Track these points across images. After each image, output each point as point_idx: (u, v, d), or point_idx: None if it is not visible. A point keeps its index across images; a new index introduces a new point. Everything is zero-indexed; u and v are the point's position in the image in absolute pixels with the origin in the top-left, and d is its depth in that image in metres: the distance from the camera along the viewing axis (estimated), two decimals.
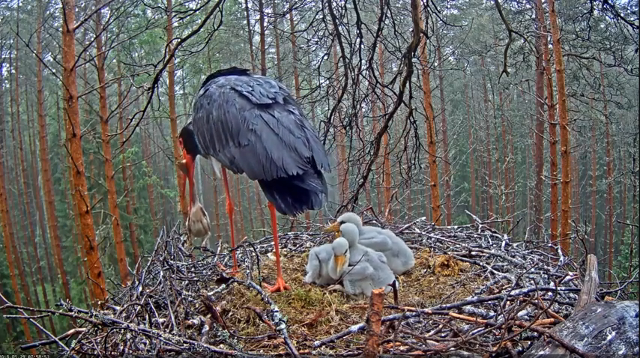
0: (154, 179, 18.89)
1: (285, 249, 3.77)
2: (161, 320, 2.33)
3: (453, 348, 1.86)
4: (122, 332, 2.13)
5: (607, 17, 8.93)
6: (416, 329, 2.19)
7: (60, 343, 2.28)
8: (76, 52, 6.43)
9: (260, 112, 2.36)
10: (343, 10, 5.18)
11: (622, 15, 5.01)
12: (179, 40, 4.90)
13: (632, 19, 6.15)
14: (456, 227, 4.11)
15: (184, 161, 3.10)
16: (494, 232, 3.79)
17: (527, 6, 12.32)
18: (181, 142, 3.02)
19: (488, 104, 22.75)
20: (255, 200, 22.13)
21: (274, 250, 3.64)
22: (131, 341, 2.08)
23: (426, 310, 2.16)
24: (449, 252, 3.30)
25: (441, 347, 1.87)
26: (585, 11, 7.66)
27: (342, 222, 3.04)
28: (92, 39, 11.44)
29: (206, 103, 2.56)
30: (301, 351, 2.01)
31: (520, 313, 2.18)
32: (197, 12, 6.43)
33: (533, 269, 2.85)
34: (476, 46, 18.32)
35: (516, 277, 2.58)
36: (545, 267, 3.01)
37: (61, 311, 2.31)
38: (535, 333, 1.93)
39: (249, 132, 2.29)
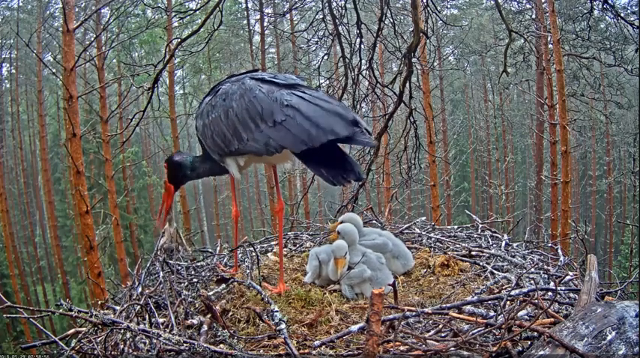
0: (154, 179, 18.88)
1: (285, 249, 3.77)
2: (161, 320, 2.33)
3: (453, 348, 1.86)
4: (122, 332, 2.13)
5: (607, 17, 8.95)
6: (416, 329, 2.19)
7: (60, 343, 2.28)
8: (76, 52, 6.42)
9: (291, 90, 2.34)
10: (343, 10, 5.18)
11: (622, 15, 5.01)
12: (179, 40, 4.91)
13: (632, 19, 6.15)
14: (456, 227, 4.10)
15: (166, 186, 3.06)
16: (495, 232, 3.78)
17: (527, 6, 12.31)
18: (166, 168, 2.96)
19: (488, 104, 22.75)
20: (255, 200, 22.14)
21: (274, 250, 3.65)
22: (131, 341, 2.08)
23: (426, 310, 2.16)
24: (449, 252, 3.30)
25: (441, 347, 1.87)
26: (585, 11, 7.66)
27: (338, 233, 3.02)
28: (92, 39, 11.44)
29: (221, 101, 2.50)
30: (301, 351, 2.01)
31: (520, 313, 2.18)
32: (197, 12, 6.44)
33: (533, 270, 2.85)
34: (476, 46, 18.35)
35: (516, 277, 2.58)
36: (545, 267, 3.01)
37: (61, 311, 2.31)
38: (535, 333, 1.93)
39: (286, 107, 2.25)
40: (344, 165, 2.23)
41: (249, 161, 2.68)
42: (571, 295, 2.47)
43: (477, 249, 3.35)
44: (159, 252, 3.25)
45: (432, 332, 2.09)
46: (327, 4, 4.92)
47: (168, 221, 3.36)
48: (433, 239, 3.66)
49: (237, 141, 2.42)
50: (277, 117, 2.26)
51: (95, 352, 2.12)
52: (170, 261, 2.95)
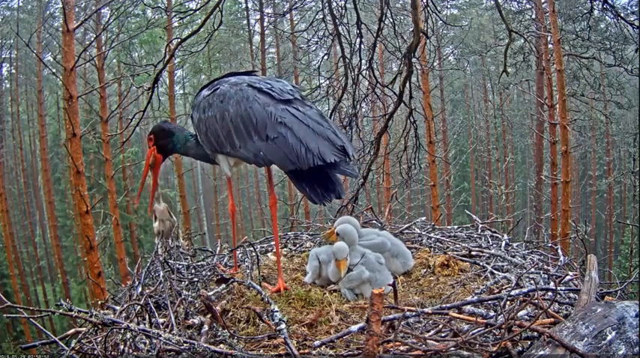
0: None
1: (285, 249, 3.77)
2: (161, 320, 2.33)
3: (453, 348, 1.86)
4: (122, 332, 2.13)
5: (607, 17, 8.94)
6: (416, 329, 2.19)
7: (60, 343, 2.28)
8: (76, 52, 6.42)
9: (285, 106, 2.40)
10: (343, 10, 5.17)
11: (622, 15, 5.01)
12: (179, 40, 4.91)
13: (632, 19, 6.15)
14: (456, 227, 4.10)
15: (154, 158, 2.98)
16: (495, 232, 3.78)
17: (527, 6, 12.31)
18: (152, 140, 2.92)
19: (488, 104, 22.74)
20: (255, 200, 22.14)
21: (274, 250, 3.64)
22: (131, 341, 2.08)
23: (426, 310, 2.16)
24: (449, 252, 3.30)
25: (441, 347, 1.87)
26: (585, 11, 7.66)
27: (337, 234, 2.99)
28: (92, 39, 11.44)
29: (218, 101, 2.53)
30: (301, 351, 2.01)
31: (520, 313, 2.18)
32: (197, 12, 6.43)
33: (533, 270, 2.85)
34: (476, 46, 18.34)
35: (516, 277, 2.58)
36: (545, 267, 3.01)
37: (61, 311, 2.31)
38: (535, 333, 1.93)
39: (279, 125, 2.32)
40: (326, 183, 2.31)
41: (239, 162, 2.73)
42: (571, 295, 2.47)
43: (477, 249, 3.34)
44: (156, 240, 3.23)
45: (432, 332, 2.09)
46: (327, 4, 4.92)
47: (157, 199, 3.31)
48: (433, 239, 3.66)
49: (230, 145, 2.49)
50: (270, 133, 2.33)
51: (95, 352, 2.12)
52: (170, 261, 2.95)
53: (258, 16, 14.96)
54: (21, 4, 19.04)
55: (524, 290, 2.35)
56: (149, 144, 2.95)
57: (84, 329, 2.44)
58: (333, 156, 2.23)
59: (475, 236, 3.75)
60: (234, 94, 2.49)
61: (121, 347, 2.09)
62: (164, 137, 2.90)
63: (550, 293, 2.32)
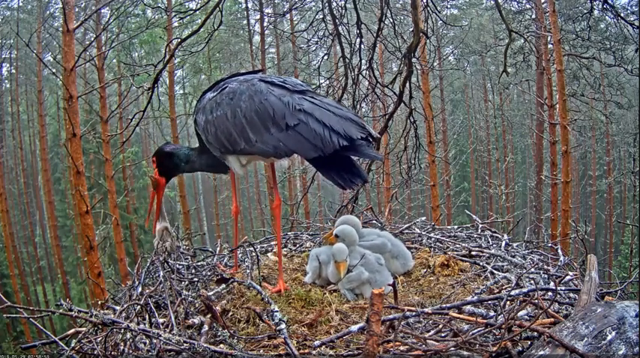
0: None
1: (285, 249, 3.76)
2: (161, 320, 2.33)
3: (453, 348, 1.86)
4: (122, 332, 2.12)
5: (607, 17, 8.95)
6: (416, 329, 2.19)
7: (60, 343, 2.27)
8: (76, 52, 6.42)
9: (302, 96, 2.36)
10: (343, 10, 5.18)
11: (622, 15, 5.02)
12: (179, 40, 4.91)
13: (632, 19, 6.15)
14: (456, 227, 4.10)
15: (155, 178, 2.97)
16: (495, 232, 3.78)
17: (527, 6, 12.32)
18: (154, 162, 2.90)
19: (488, 104, 22.75)
20: (255, 200, 22.14)
21: (274, 250, 3.64)
22: (131, 340, 2.08)
23: (426, 310, 2.16)
24: (449, 252, 3.30)
25: (441, 347, 1.87)
26: (585, 11, 7.67)
27: (337, 236, 2.97)
28: (92, 39, 11.44)
29: (228, 99, 2.47)
30: (301, 351, 2.01)
31: (520, 313, 2.18)
32: (197, 12, 6.44)
33: (533, 270, 2.85)
34: (476, 46, 18.35)
35: (516, 277, 2.58)
36: (545, 267, 3.01)
37: (61, 311, 2.30)
38: (535, 333, 1.93)
39: (298, 112, 2.27)
40: (351, 169, 2.26)
41: (251, 159, 2.68)
42: (571, 295, 2.47)
43: (477, 249, 3.34)
44: (159, 250, 3.20)
45: (432, 332, 2.09)
46: (327, 4, 4.93)
47: (161, 216, 3.29)
48: (433, 239, 3.66)
49: (245, 142, 2.41)
50: (290, 121, 2.26)
51: (95, 352, 2.12)
52: (170, 261, 2.95)
53: (258, 16, 14.97)
54: (21, 4, 19.07)
55: (524, 290, 2.35)
56: (153, 166, 2.93)
57: (84, 329, 2.44)
58: (359, 133, 2.17)
59: (475, 236, 3.74)
60: (246, 90, 2.44)
61: (121, 347, 2.09)
62: (165, 161, 2.88)
63: (550, 293, 2.32)
